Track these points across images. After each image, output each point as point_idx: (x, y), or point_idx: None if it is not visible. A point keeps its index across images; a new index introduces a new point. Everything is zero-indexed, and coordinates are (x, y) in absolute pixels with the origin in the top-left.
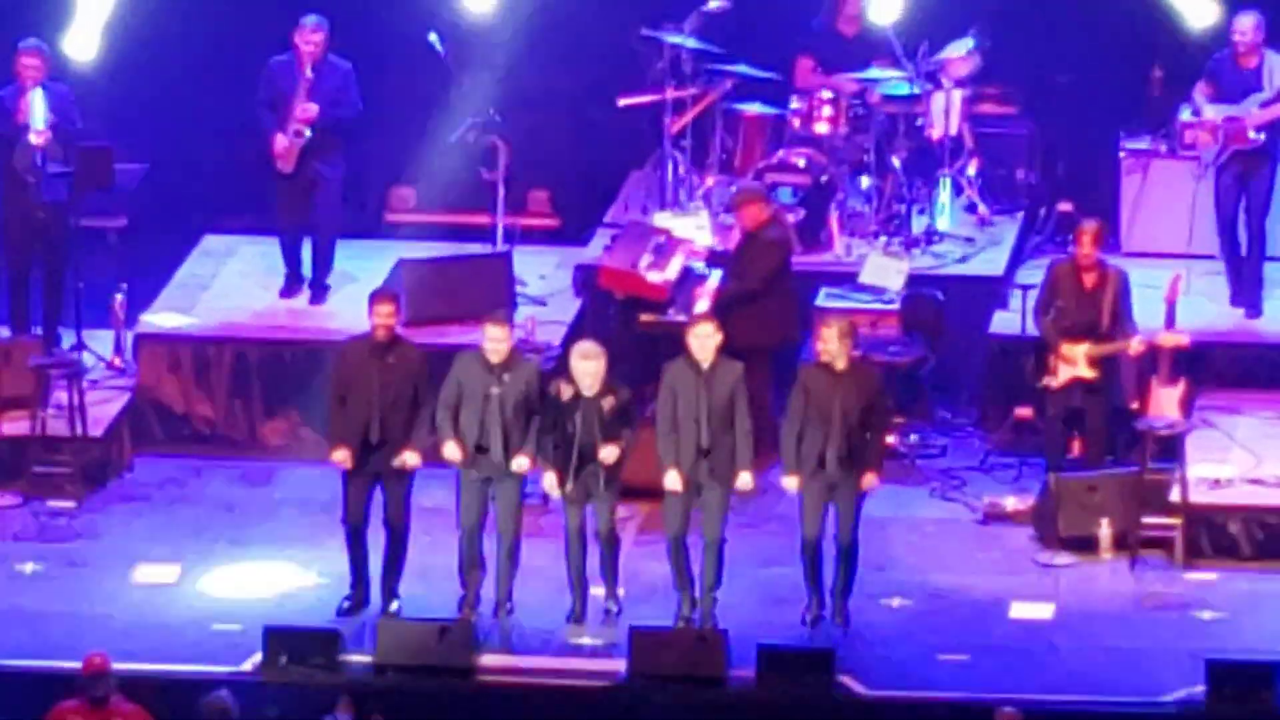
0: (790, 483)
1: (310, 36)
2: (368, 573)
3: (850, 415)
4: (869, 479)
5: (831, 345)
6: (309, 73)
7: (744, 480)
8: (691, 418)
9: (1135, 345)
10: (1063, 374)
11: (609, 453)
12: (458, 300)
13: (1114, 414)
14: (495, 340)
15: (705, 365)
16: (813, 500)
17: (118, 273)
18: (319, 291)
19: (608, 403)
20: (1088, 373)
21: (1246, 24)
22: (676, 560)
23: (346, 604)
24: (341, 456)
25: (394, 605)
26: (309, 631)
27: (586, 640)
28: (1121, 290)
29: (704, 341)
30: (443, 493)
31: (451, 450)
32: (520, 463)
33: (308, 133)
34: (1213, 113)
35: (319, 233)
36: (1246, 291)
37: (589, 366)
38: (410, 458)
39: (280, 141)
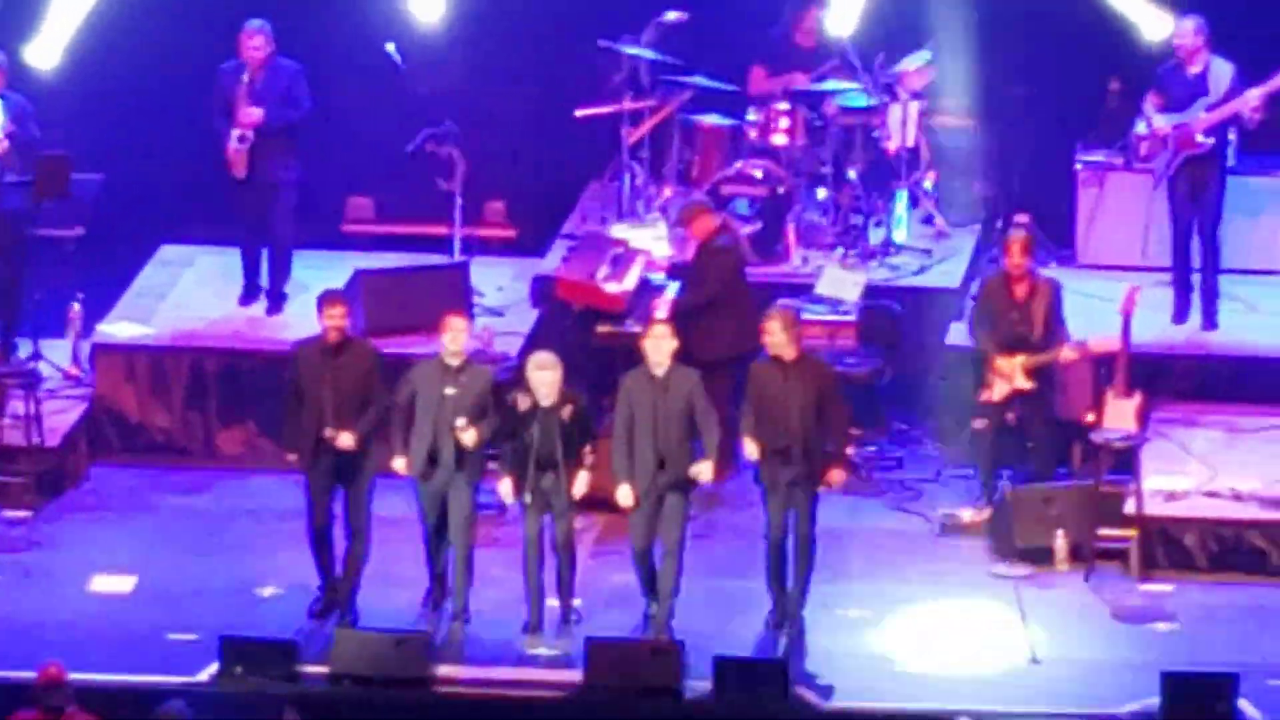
0: (750, 448)
1: (248, 42)
2: (336, 573)
3: (805, 408)
4: (834, 475)
5: (776, 337)
6: (246, 77)
7: (703, 469)
8: (649, 427)
9: (1066, 353)
10: (999, 388)
11: (580, 484)
12: (415, 311)
13: (1056, 425)
14: (455, 330)
15: (661, 372)
16: (776, 500)
17: (75, 282)
18: (275, 301)
19: (565, 412)
20: (1025, 384)
21: (1186, 28)
22: (643, 570)
23: (318, 606)
24: (294, 458)
25: (348, 614)
26: (265, 642)
27: (543, 651)
28: (1053, 300)
29: (659, 343)
30: (402, 503)
31: (399, 464)
32: (469, 435)
33: (251, 136)
34: (1162, 122)
35: (275, 238)
36: (1203, 303)
37: (545, 377)
38: (344, 437)
39: (230, 147)
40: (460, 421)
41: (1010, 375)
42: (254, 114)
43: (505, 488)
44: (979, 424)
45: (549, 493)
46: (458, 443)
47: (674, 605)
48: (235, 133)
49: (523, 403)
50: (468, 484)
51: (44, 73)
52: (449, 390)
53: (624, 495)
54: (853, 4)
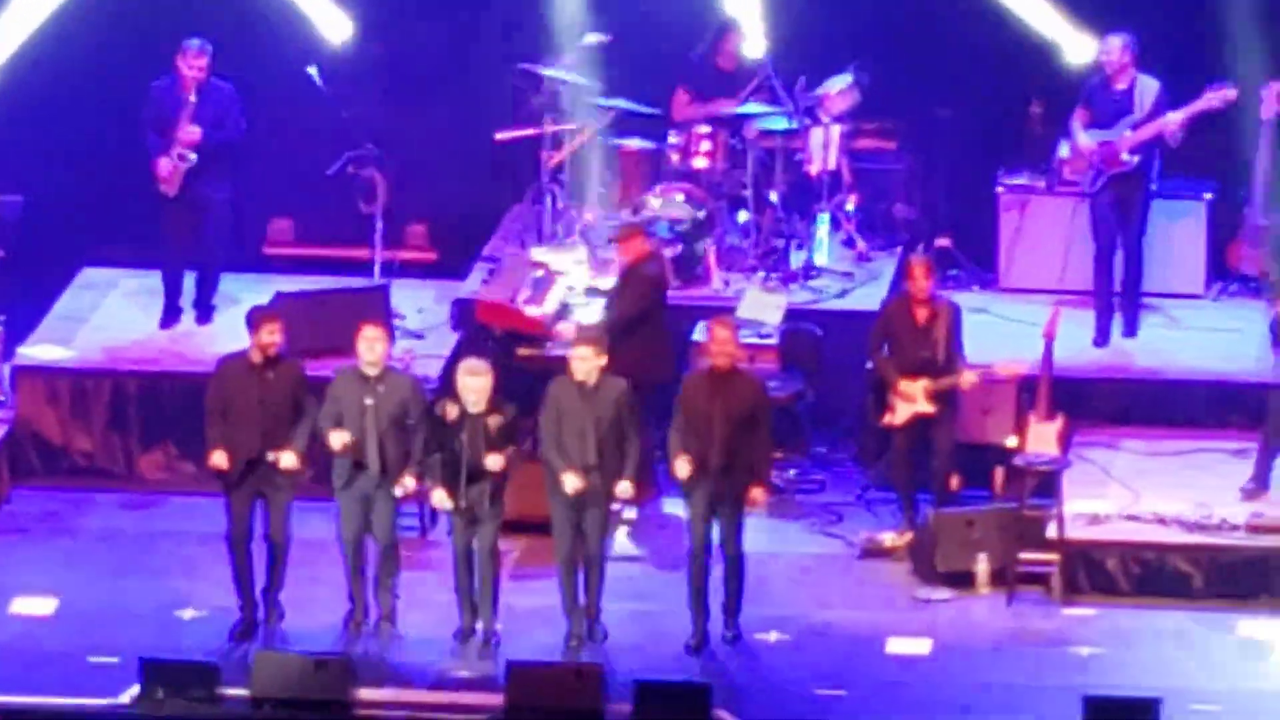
0: (680, 466)
1: (194, 61)
2: (255, 593)
3: (732, 423)
4: (756, 493)
5: (728, 346)
6: (192, 97)
7: (624, 488)
8: (576, 434)
9: (968, 378)
10: (902, 411)
11: (494, 460)
12: (335, 333)
13: (958, 448)
14: (370, 340)
15: (590, 383)
16: (698, 510)
17: None
18: (205, 311)
19: (494, 420)
20: (927, 407)
21: (1114, 45)
22: (566, 583)
23: (239, 628)
24: (219, 459)
25: (274, 615)
26: (187, 664)
27: (465, 673)
28: (953, 323)
29: (582, 364)
30: (323, 525)
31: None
32: (406, 484)
33: (192, 157)
34: (1086, 139)
35: (206, 254)
36: (1124, 313)
37: (475, 383)
38: (285, 458)
39: (164, 165)
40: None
41: (913, 398)
42: (194, 133)
43: (439, 497)
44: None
45: (475, 503)
46: (382, 449)
47: (601, 606)
48: (175, 151)
49: (451, 412)
50: (390, 495)
51: None
52: (368, 400)
53: (570, 481)
54: (760, 26)
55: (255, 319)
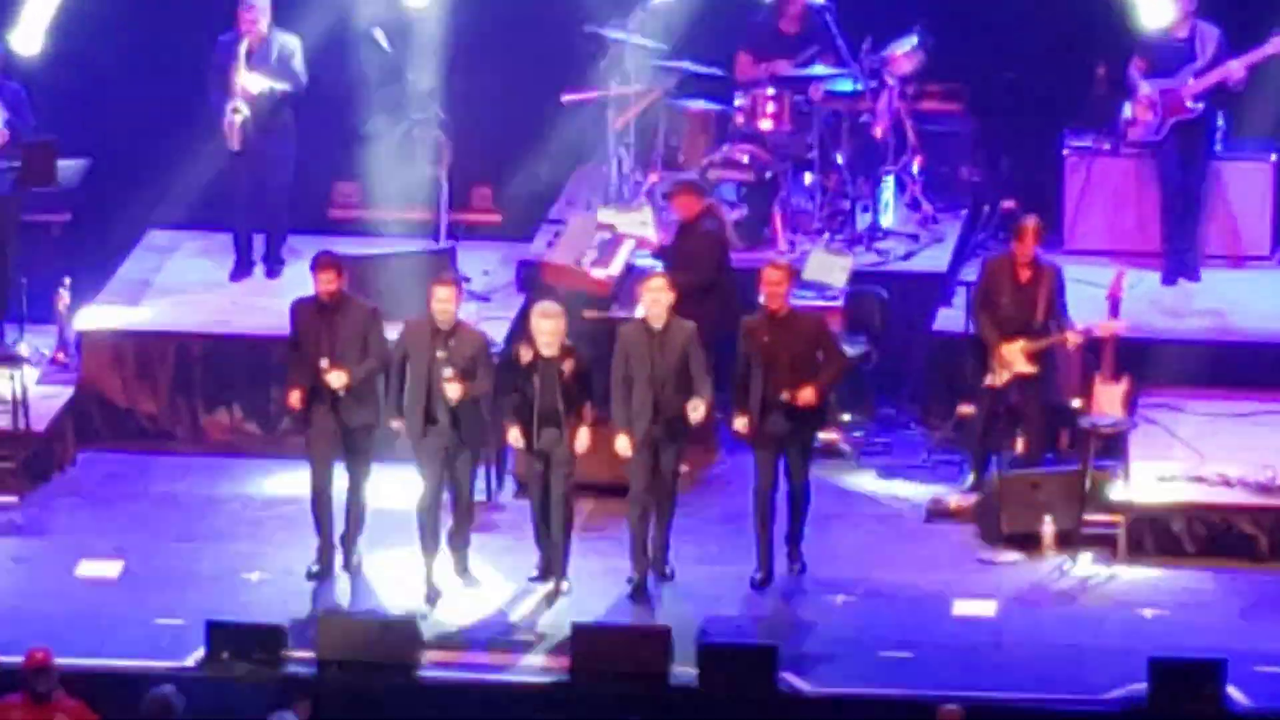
0: (740, 423)
1: (245, 14)
2: (334, 536)
3: (796, 361)
4: (805, 393)
5: (782, 287)
6: (243, 48)
7: (697, 407)
8: (645, 379)
9: (1073, 338)
10: (1003, 374)
11: (582, 440)
12: (402, 296)
13: (1052, 410)
14: (442, 300)
15: (658, 326)
16: (763, 453)
17: (61, 268)
18: (274, 266)
19: (567, 365)
20: (1027, 368)
21: (1182, 4)
22: (635, 524)
23: (315, 568)
24: (296, 397)
25: (356, 558)
26: (252, 627)
27: (529, 636)
28: (1056, 285)
29: (656, 296)
30: (391, 490)
31: (395, 424)
32: (453, 388)
33: (244, 109)
34: (1148, 88)
35: (269, 208)
36: (1186, 256)
37: (548, 325)
38: (336, 376)
39: (225, 119)
40: (447, 372)
41: (1011, 360)
42: (249, 86)
43: (514, 435)
44: (966, 409)
45: (549, 446)
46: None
47: (669, 559)
48: (230, 104)
49: (524, 355)
50: (469, 456)
51: (29, 58)
52: (439, 353)
53: (622, 444)
54: None
55: (312, 266)
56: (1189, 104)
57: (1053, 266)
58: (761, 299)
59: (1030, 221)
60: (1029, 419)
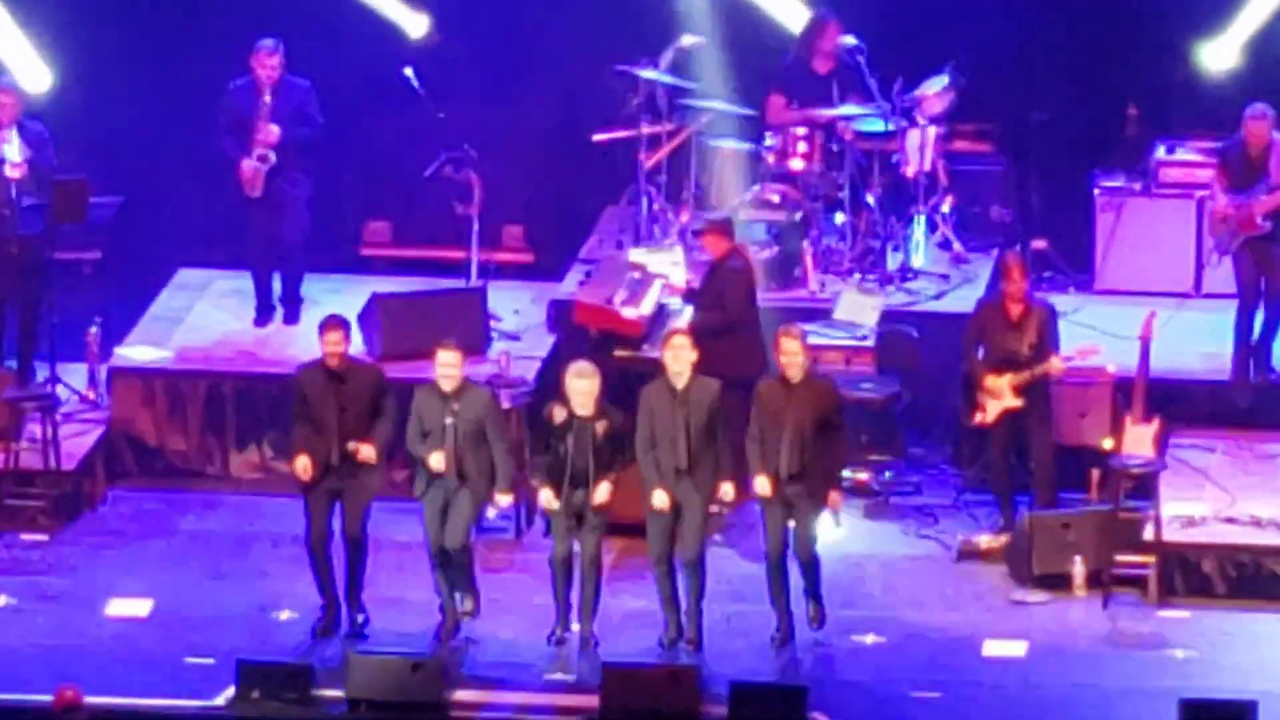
0: (761, 484)
1: (267, 60)
2: (336, 591)
3: (804, 428)
4: (834, 498)
5: (799, 356)
6: (268, 96)
7: (725, 491)
8: (668, 438)
9: (1055, 364)
10: (992, 409)
11: (602, 492)
12: (432, 335)
13: (1069, 450)
14: (445, 365)
15: (681, 384)
16: (773, 517)
17: (92, 306)
18: (292, 309)
19: (601, 426)
20: (1014, 401)
21: (1261, 112)
22: (662, 583)
23: (320, 625)
24: (303, 465)
25: (359, 619)
26: (282, 665)
27: (560, 675)
28: (1047, 322)
29: (679, 353)
30: (415, 527)
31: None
32: (499, 502)
33: (272, 156)
34: (1224, 201)
35: (288, 252)
36: (1261, 353)
37: (583, 385)
38: (365, 449)
39: (246, 166)
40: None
41: (999, 393)
42: (273, 132)
43: (546, 496)
44: (978, 417)
45: (580, 508)
46: (460, 461)
47: (703, 608)
48: (256, 152)
49: (558, 415)
50: (467, 500)
51: (44, 95)
52: (448, 419)
53: (659, 499)
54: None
55: (319, 328)
56: (1258, 220)
57: (1045, 305)
58: (779, 366)
59: (1012, 257)
60: (1035, 457)
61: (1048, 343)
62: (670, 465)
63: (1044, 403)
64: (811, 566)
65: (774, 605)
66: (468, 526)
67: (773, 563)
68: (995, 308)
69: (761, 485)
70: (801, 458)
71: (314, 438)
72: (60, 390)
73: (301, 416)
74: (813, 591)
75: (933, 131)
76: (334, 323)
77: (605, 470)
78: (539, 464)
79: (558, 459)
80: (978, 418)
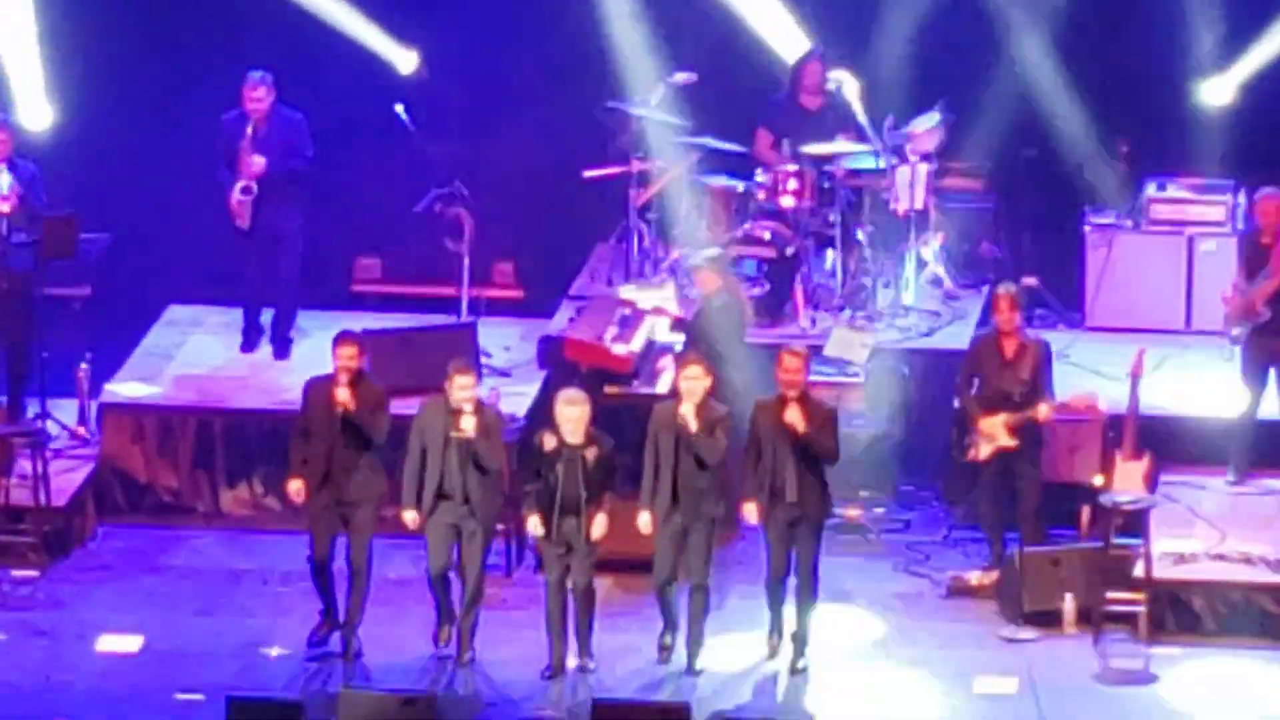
0: (751, 511)
1: (252, 93)
2: (335, 600)
3: (800, 448)
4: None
5: (799, 375)
6: (250, 128)
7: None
8: (670, 460)
9: (1043, 411)
10: (985, 448)
11: (598, 526)
12: (422, 371)
13: (1045, 487)
14: (463, 388)
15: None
16: (775, 537)
17: (82, 342)
18: (282, 345)
19: (591, 453)
20: (1009, 441)
21: (1270, 204)
22: (664, 602)
23: (316, 635)
24: (296, 489)
25: (351, 654)
26: (272, 702)
27: (550, 713)
28: (1042, 359)
29: (691, 385)
30: (407, 563)
31: (409, 517)
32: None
33: (254, 187)
34: (1229, 291)
35: (281, 285)
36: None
37: (573, 412)
38: (341, 393)
39: (232, 197)
40: (467, 407)
41: (993, 434)
42: (258, 164)
43: (534, 523)
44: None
45: (570, 536)
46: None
47: (702, 637)
48: (239, 184)
49: (548, 442)
50: (480, 531)
51: (41, 133)
52: (453, 433)
53: (643, 521)
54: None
55: (334, 341)
56: (1259, 308)
57: (1039, 342)
58: (779, 383)
59: (1001, 290)
60: (1024, 495)
61: (1041, 382)
62: (667, 485)
63: (1035, 444)
64: (809, 587)
65: (770, 611)
66: (483, 558)
67: (772, 582)
68: (990, 343)
69: (750, 511)
70: (799, 479)
71: (310, 453)
72: (50, 426)
73: (299, 431)
74: (801, 632)
75: (924, 169)
76: (349, 338)
77: (596, 497)
78: (529, 492)
79: (548, 486)
80: (971, 454)
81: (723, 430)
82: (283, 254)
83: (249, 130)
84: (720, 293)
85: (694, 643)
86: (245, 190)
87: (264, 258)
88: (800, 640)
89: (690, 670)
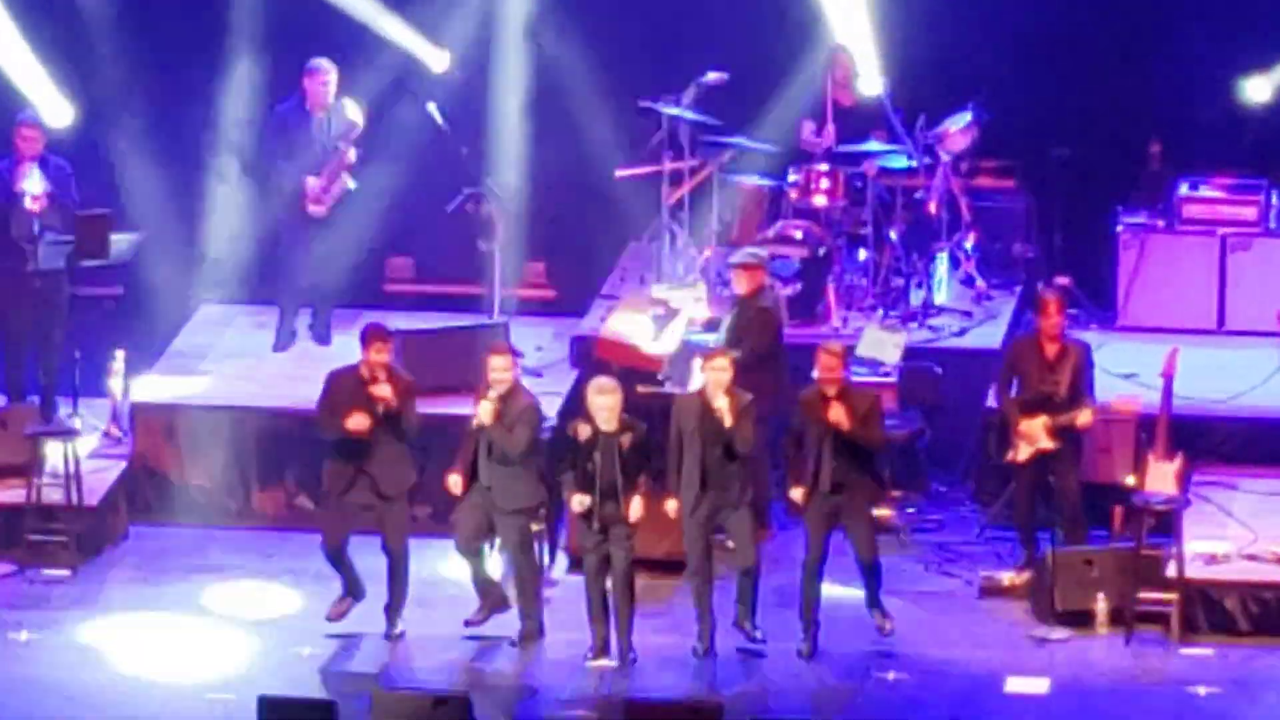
0: (796, 494)
1: (325, 76)
2: (357, 574)
3: (843, 438)
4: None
5: (835, 372)
6: (325, 115)
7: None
8: (696, 448)
9: (1084, 416)
10: (1024, 449)
11: (635, 508)
12: (454, 370)
13: (1085, 488)
14: (498, 369)
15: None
16: (815, 524)
17: (114, 341)
18: (323, 333)
19: (626, 439)
20: (1048, 444)
21: None
22: (698, 596)
23: (337, 610)
24: (455, 481)
25: (398, 628)
26: (304, 702)
27: (581, 713)
28: (1083, 363)
29: (718, 377)
30: (442, 563)
31: (454, 482)
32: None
33: (351, 184)
34: None
35: (328, 276)
36: None
37: (605, 401)
38: (382, 388)
39: (314, 185)
40: (492, 393)
41: (1033, 436)
42: (352, 156)
43: (578, 500)
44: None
45: (611, 521)
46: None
47: (757, 624)
48: (331, 170)
49: (583, 432)
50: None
51: (64, 130)
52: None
53: (670, 506)
54: (878, 63)
55: (366, 335)
56: None
57: (1080, 344)
58: (818, 383)
59: (1050, 294)
60: (1064, 497)
61: (1082, 385)
62: (694, 473)
63: (1074, 447)
64: (873, 568)
65: (801, 617)
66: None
67: (809, 571)
68: (1031, 344)
69: (796, 494)
70: (843, 467)
71: (339, 444)
72: (82, 425)
73: (327, 419)
74: (874, 599)
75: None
76: (379, 333)
77: (633, 481)
78: (567, 480)
79: (586, 475)
80: (1010, 455)
81: (748, 417)
82: (337, 245)
83: (326, 120)
84: (761, 293)
85: (743, 618)
86: (332, 180)
87: (317, 249)
88: (877, 605)
89: (751, 639)
